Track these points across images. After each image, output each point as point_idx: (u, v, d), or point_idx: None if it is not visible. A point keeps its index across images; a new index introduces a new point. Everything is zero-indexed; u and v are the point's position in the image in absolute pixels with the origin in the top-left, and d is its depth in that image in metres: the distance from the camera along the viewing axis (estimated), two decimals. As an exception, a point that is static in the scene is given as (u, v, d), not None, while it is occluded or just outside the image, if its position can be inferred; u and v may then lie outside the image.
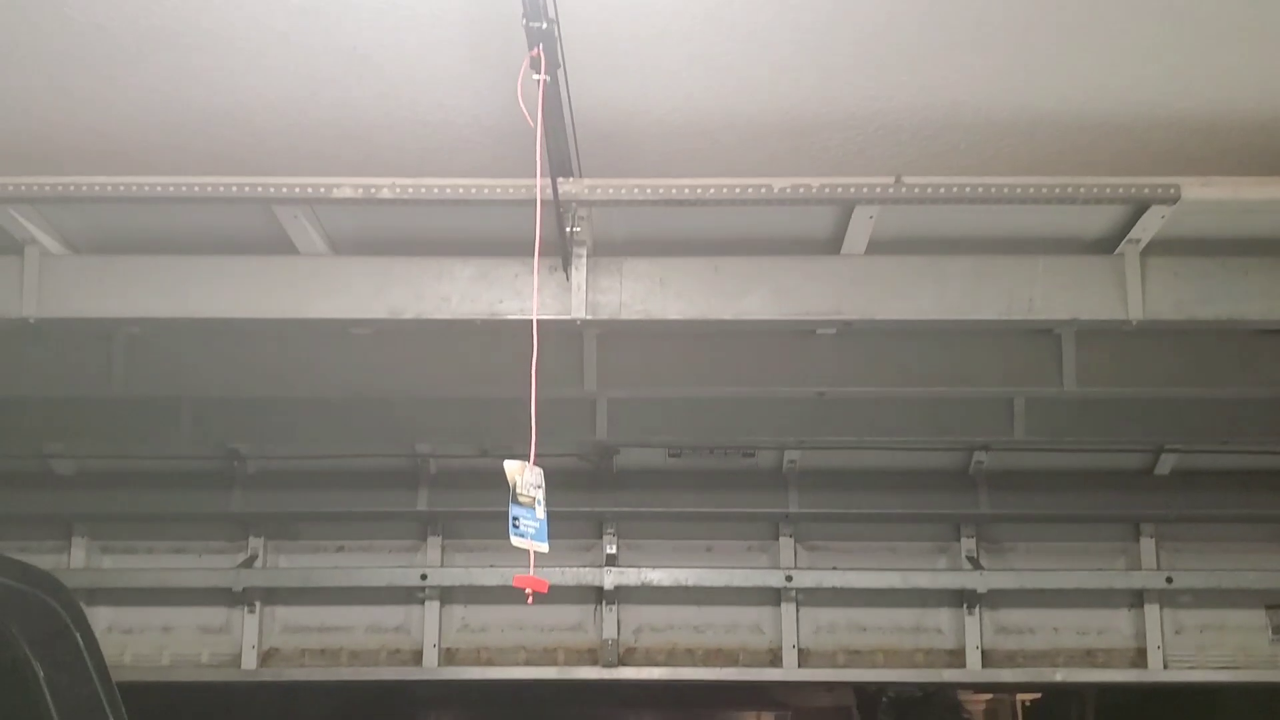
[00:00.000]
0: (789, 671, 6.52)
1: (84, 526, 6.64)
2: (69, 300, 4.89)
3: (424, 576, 6.46)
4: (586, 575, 6.49)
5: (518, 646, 6.62)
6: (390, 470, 6.55)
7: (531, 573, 3.81)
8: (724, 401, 6.12)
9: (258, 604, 6.52)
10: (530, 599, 3.75)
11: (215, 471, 6.46)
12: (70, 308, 4.91)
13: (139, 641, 6.56)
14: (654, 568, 6.56)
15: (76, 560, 6.62)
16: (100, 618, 6.57)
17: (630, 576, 6.50)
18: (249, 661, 6.51)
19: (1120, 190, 4.70)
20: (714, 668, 6.59)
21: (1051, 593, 6.58)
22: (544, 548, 3.81)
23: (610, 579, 6.46)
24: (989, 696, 34.93)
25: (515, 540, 3.76)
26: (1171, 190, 4.70)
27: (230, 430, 6.17)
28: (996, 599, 6.61)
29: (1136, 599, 6.60)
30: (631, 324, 5.22)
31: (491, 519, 5.69)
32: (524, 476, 3.81)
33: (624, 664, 6.60)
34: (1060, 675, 6.58)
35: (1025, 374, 5.80)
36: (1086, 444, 6.32)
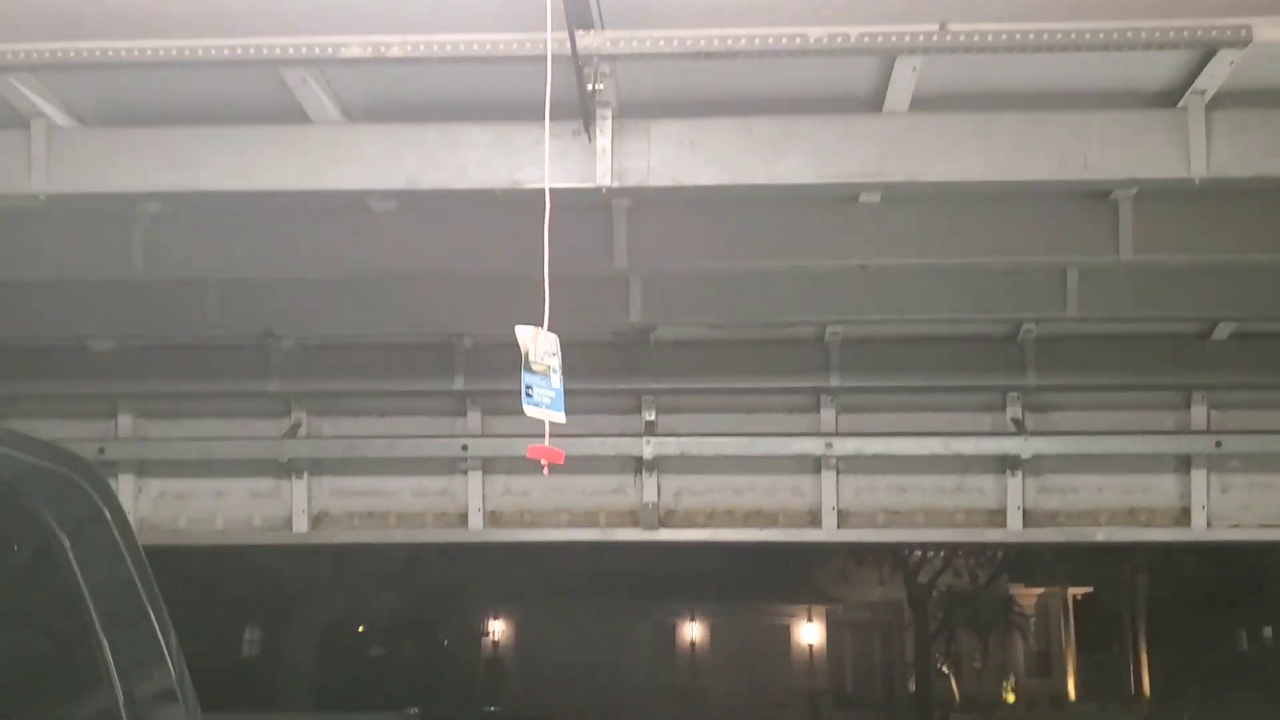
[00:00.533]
0: (828, 533, 6.50)
1: (128, 403, 6.77)
2: (79, 175, 4.78)
3: (465, 448, 6.55)
4: (626, 445, 6.49)
5: (559, 509, 6.69)
6: (425, 346, 6.54)
7: (547, 443, 3.62)
8: (762, 276, 5.96)
9: (305, 472, 6.68)
10: (546, 470, 3.61)
11: (251, 348, 6.51)
12: (80, 182, 4.80)
13: (192, 507, 6.75)
14: (694, 436, 6.54)
15: (124, 429, 6.76)
16: (151, 486, 6.72)
17: (669, 446, 6.51)
18: (300, 525, 6.65)
19: (1185, 33, 4.34)
20: (754, 529, 6.58)
21: (1096, 456, 6.45)
22: (560, 418, 3.62)
23: (650, 449, 6.46)
24: (1040, 591, 35.30)
25: (529, 410, 3.60)
26: (1242, 32, 4.33)
27: (259, 311, 6.17)
28: (1040, 462, 6.52)
29: (1183, 463, 6.48)
30: (661, 193, 5.02)
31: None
32: (537, 343, 3.62)
33: (664, 526, 6.62)
34: (1102, 535, 6.50)
35: (1079, 241, 5.54)
36: (1145, 319, 6.10)
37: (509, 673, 37.93)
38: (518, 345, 6.29)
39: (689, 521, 6.60)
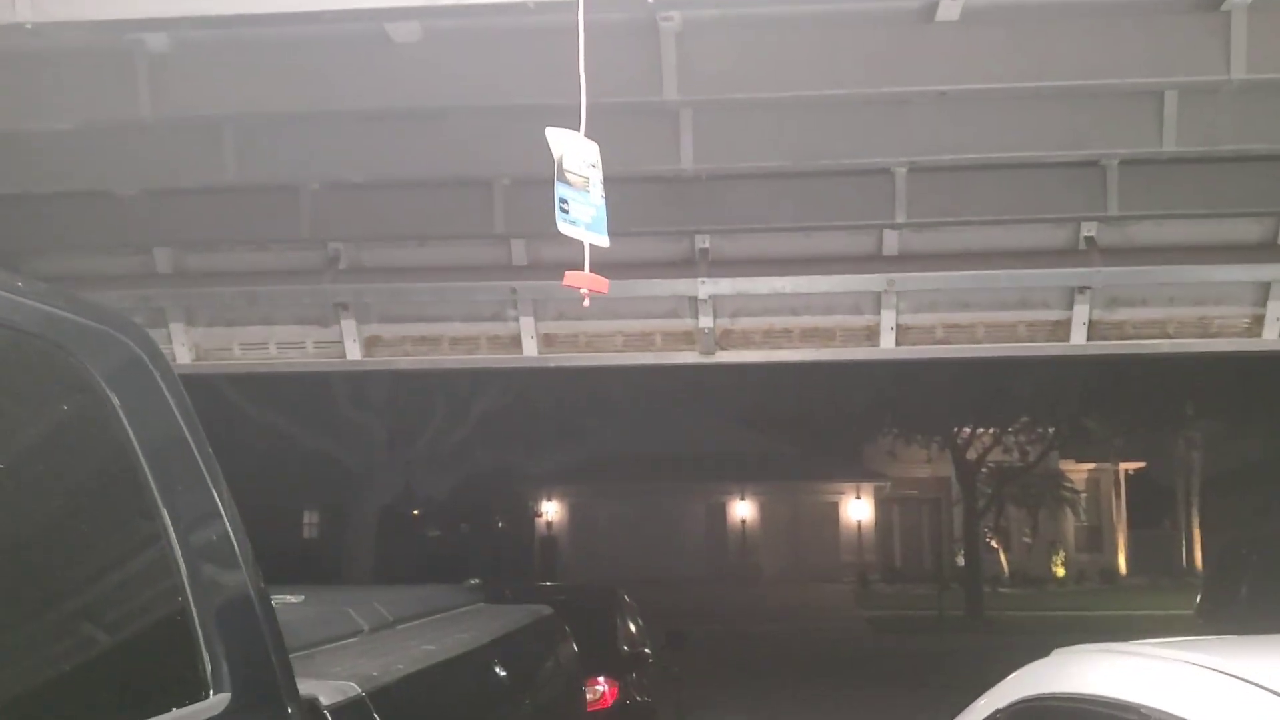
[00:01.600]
0: (886, 350, 6.34)
1: (164, 248, 6.69)
2: (68, 2, 4.55)
3: (514, 291, 6.43)
4: (681, 287, 6.33)
5: (615, 332, 6.55)
6: (463, 184, 6.33)
7: (588, 269, 3.16)
8: (829, 107, 5.65)
9: (349, 301, 6.56)
10: (586, 300, 3.22)
11: (279, 190, 6.35)
12: (70, 9, 4.54)
13: (244, 334, 6.71)
14: (749, 277, 6.35)
15: (162, 265, 6.69)
16: (199, 315, 6.67)
17: (724, 286, 6.31)
18: (353, 352, 6.60)
19: None
20: (811, 348, 6.45)
21: (1169, 271, 6.17)
22: (602, 240, 3.17)
23: (705, 289, 6.29)
24: (1091, 466, 34.95)
25: (564, 228, 3.14)
26: None
27: (280, 158, 5.99)
28: (1111, 278, 6.22)
29: (1261, 291, 6.18)
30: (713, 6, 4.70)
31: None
32: (573, 150, 3.13)
33: (721, 349, 6.48)
34: (1168, 346, 6.26)
35: (1183, 59, 5.08)
36: (1251, 154, 5.71)
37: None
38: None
39: (746, 342, 6.44)
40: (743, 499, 40.84)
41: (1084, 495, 39.43)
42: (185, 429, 2.04)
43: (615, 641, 8.39)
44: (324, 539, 34.40)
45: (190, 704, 1.79)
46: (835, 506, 40.72)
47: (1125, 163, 5.91)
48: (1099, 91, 5.34)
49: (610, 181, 3.29)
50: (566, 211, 3.19)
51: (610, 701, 7.24)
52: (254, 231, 6.48)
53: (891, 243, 6.28)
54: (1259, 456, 41.90)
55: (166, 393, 2.00)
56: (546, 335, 6.52)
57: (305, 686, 2.17)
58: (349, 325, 6.52)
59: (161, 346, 2.04)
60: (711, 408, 38.27)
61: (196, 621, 1.86)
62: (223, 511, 2.07)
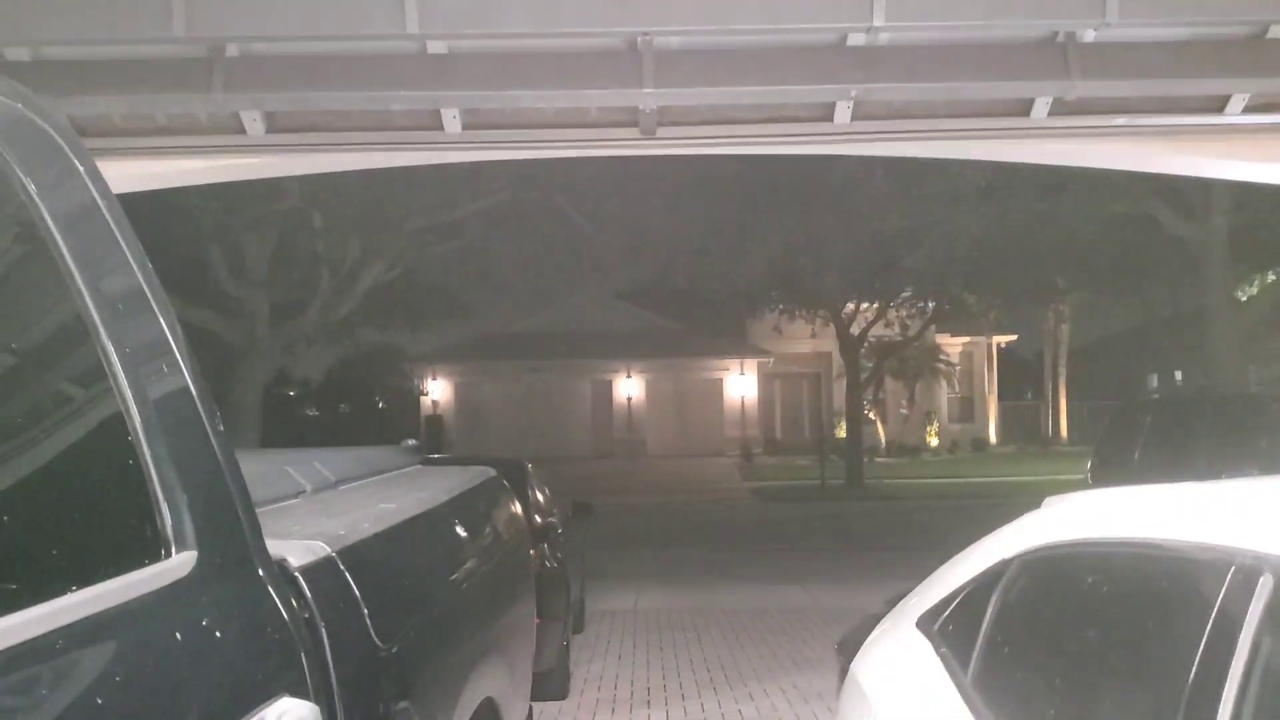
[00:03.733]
0: (840, 131, 6.02)
1: None
2: None
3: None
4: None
5: (545, 106, 5.99)
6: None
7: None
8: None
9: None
10: None
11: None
12: None
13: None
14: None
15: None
16: None
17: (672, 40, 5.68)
18: (254, 129, 5.92)
19: None
20: (760, 125, 6.08)
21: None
22: None
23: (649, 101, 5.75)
24: (966, 339, 36.08)
25: None
26: None
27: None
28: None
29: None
30: None
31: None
32: None
33: (662, 125, 6.02)
34: None
35: None
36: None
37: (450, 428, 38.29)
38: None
39: (690, 117, 5.97)
40: (629, 376, 40.96)
41: (958, 368, 40.64)
42: (125, 246, 1.65)
43: (528, 512, 8.21)
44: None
45: (151, 564, 1.45)
46: (720, 382, 41.19)
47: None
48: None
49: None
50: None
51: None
52: (119, 30, 5.62)
53: (858, 39, 5.81)
54: (1121, 328, 43.81)
55: (79, 166, 1.60)
56: (471, 110, 5.88)
57: (270, 547, 1.83)
58: (244, 98, 5.75)
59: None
60: (598, 283, 38.03)
61: (151, 467, 1.50)
62: (175, 348, 1.70)
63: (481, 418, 38.31)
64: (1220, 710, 1.71)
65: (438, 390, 41.06)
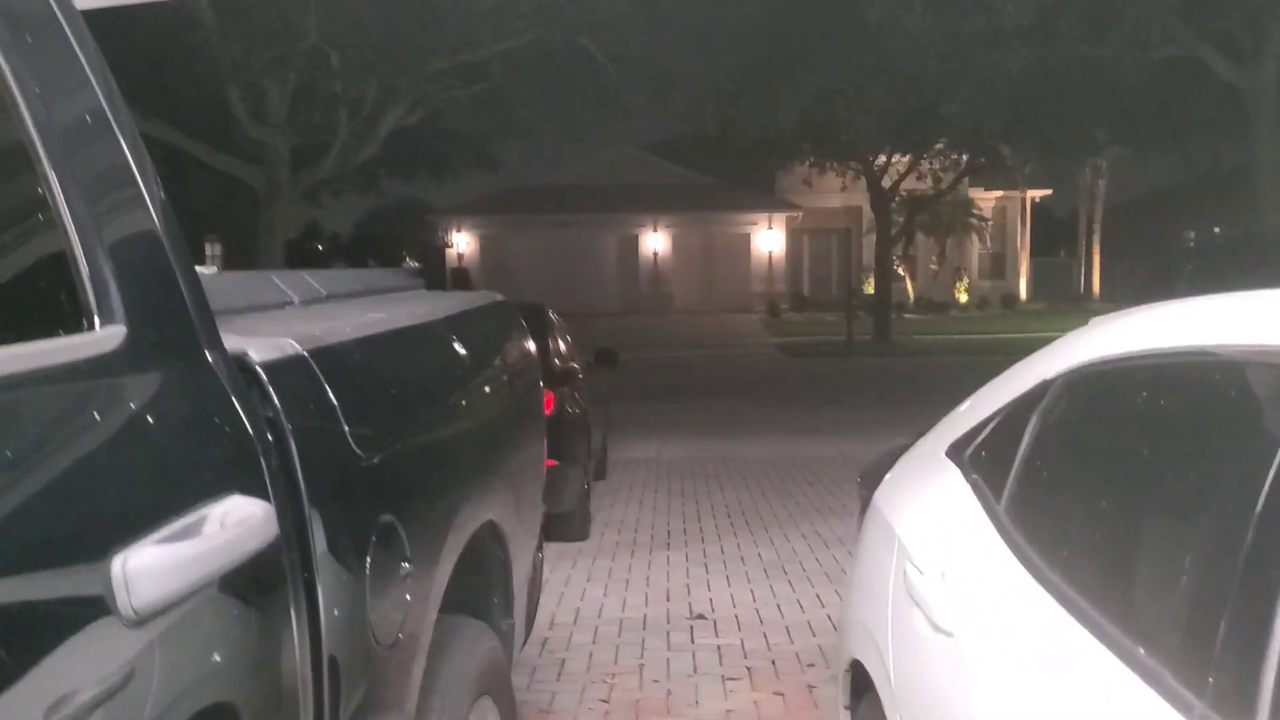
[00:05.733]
0: None
1: None
2: None
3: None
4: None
5: None
6: None
7: None
8: None
9: None
10: None
11: None
12: None
13: None
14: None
15: None
16: None
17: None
18: None
19: None
20: None
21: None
22: None
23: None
24: (1000, 194, 35.51)
25: None
26: None
27: None
28: None
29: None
30: None
31: None
32: None
33: None
34: None
35: None
36: None
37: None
38: None
39: None
40: (655, 230, 40.51)
41: (990, 223, 39.89)
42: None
43: (547, 355, 8.08)
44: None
45: (67, 335, 1.25)
46: (747, 237, 40.71)
47: None
48: None
49: None
50: None
51: (548, 411, 6.96)
52: None
53: None
54: (1161, 184, 42.70)
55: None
56: None
57: (230, 343, 1.64)
58: None
59: None
60: (625, 134, 37.29)
61: (70, 226, 1.29)
62: (100, 94, 1.46)
63: (508, 271, 38.13)
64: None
65: (463, 244, 40.82)
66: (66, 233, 1.30)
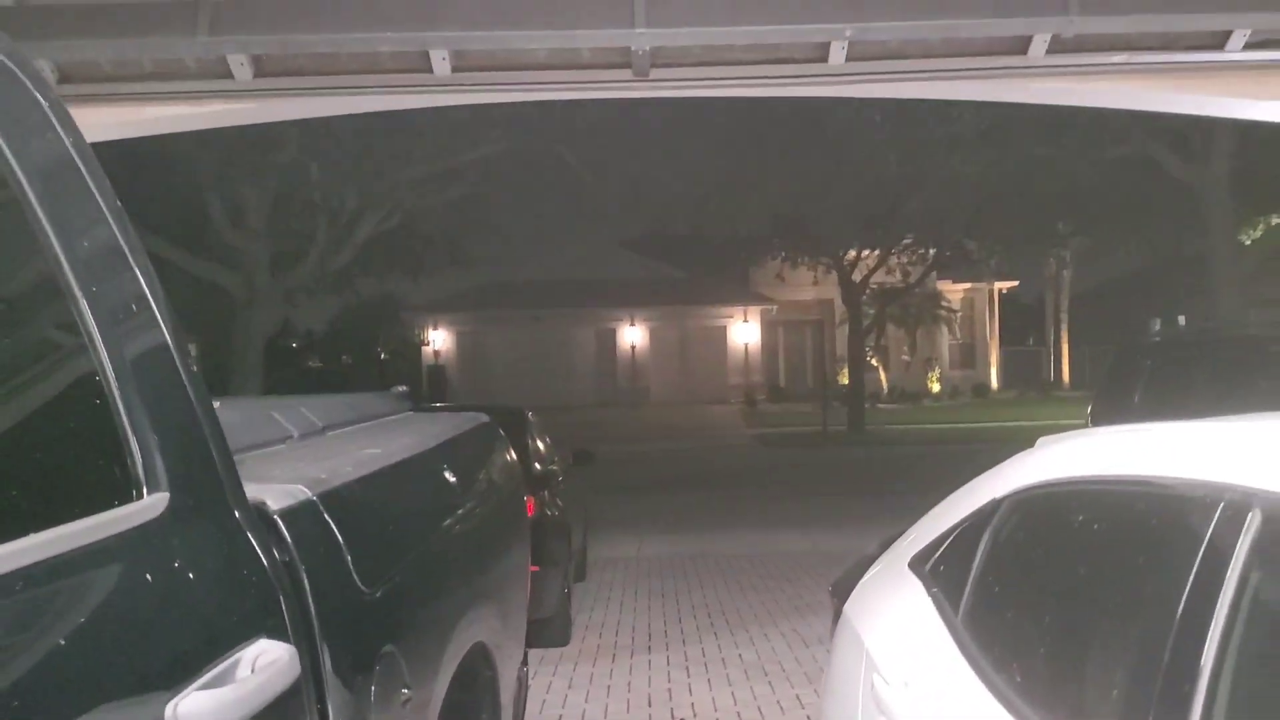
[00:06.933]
0: (835, 72, 6.02)
1: None
2: None
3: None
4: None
5: (537, 47, 5.95)
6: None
7: None
8: None
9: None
10: None
11: None
12: None
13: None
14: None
15: None
16: None
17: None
18: (242, 74, 5.86)
19: None
20: (755, 65, 6.09)
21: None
22: None
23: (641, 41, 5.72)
24: (968, 285, 36.02)
25: None
26: None
27: None
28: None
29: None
30: None
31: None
32: None
33: (655, 66, 5.98)
34: None
35: None
36: None
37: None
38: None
39: (684, 58, 5.97)
40: (632, 324, 40.93)
41: (960, 314, 40.56)
42: (102, 202, 1.61)
43: (527, 459, 8.23)
44: (203, 373, 33.30)
45: (121, 505, 1.43)
46: (723, 330, 41.16)
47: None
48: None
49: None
50: None
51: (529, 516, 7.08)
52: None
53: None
54: (1124, 272, 43.58)
55: (55, 122, 1.55)
56: (460, 52, 5.82)
57: (249, 491, 1.82)
58: (230, 41, 5.67)
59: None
60: (600, 231, 37.87)
61: (120, 406, 1.48)
62: (140, 279, 1.66)
63: (484, 367, 38.34)
64: (1207, 644, 1.70)
65: (440, 340, 41.06)
66: (118, 412, 1.48)
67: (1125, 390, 11.27)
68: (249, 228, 20.09)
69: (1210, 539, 1.82)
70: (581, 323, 40.44)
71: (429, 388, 35.23)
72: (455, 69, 5.85)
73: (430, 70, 5.80)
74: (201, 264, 20.44)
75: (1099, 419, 11.95)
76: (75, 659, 1.22)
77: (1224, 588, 1.73)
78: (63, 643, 1.22)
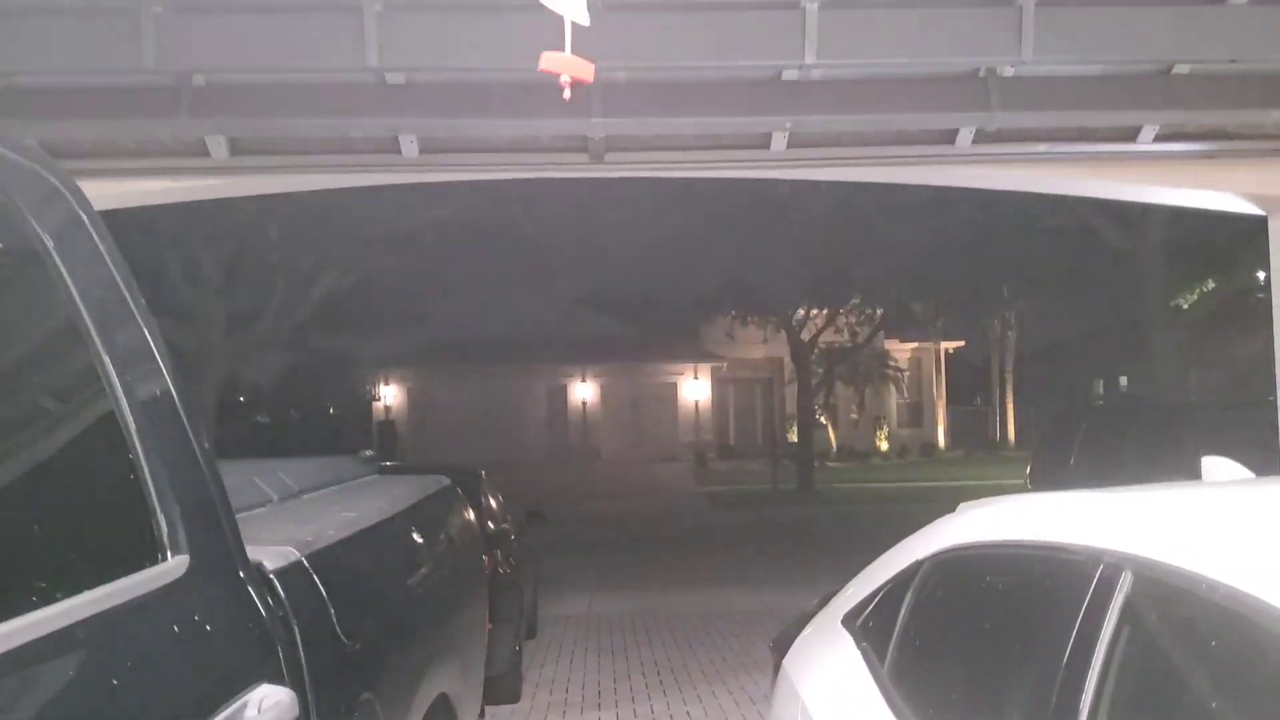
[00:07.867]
0: (777, 158, 6.43)
1: None
2: None
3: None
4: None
5: (500, 135, 6.32)
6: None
7: (569, 51, 2.88)
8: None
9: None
10: (567, 91, 2.98)
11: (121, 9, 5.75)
12: None
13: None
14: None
15: None
16: None
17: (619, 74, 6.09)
18: (217, 151, 6.09)
19: None
20: (703, 151, 6.45)
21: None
22: (583, 18, 2.86)
23: (597, 129, 6.09)
24: (915, 345, 36.60)
25: None
26: None
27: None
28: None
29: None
30: None
31: None
32: None
33: (609, 151, 6.35)
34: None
35: None
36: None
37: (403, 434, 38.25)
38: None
39: (636, 144, 6.36)
40: (583, 381, 41.16)
41: (907, 374, 41.27)
42: (117, 273, 1.85)
43: (482, 519, 8.41)
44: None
45: (149, 567, 1.66)
46: (674, 387, 41.50)
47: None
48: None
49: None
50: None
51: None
52: (93, 61, 5.74)
53: (792, 74, 6.17)
54: (1067, 334, 44.66)
55: (97, 239, 1.80)
56: (428, 136, 6.16)
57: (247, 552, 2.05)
58: (209, 124, 5.94)
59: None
60: (552, 291, 38.16)
61: (148, 478, 1.71)
62: (163, 367, 1.90)
63: (435, 424, 38.30)
64: (1085, 690, 1.97)
65: (391, 396, 41.00)
66: (146, 484, 1.71)
67: (1061, 452, 11.72)
68: (205, 286, 20.17)
69: (1091, 597, 2.10)
70: (532, 379, 40.62)
71: (379, 444, 35.15)
72: (423, 151, 6.16)
73: (399, 152, 6.10)
74: (156, 320, 20.37)
75: (1037, 479, 12.42)
76: (123, 700, 1.44)
77: (1100, 640, 2.00)
78: (115, 683, 1.44)
